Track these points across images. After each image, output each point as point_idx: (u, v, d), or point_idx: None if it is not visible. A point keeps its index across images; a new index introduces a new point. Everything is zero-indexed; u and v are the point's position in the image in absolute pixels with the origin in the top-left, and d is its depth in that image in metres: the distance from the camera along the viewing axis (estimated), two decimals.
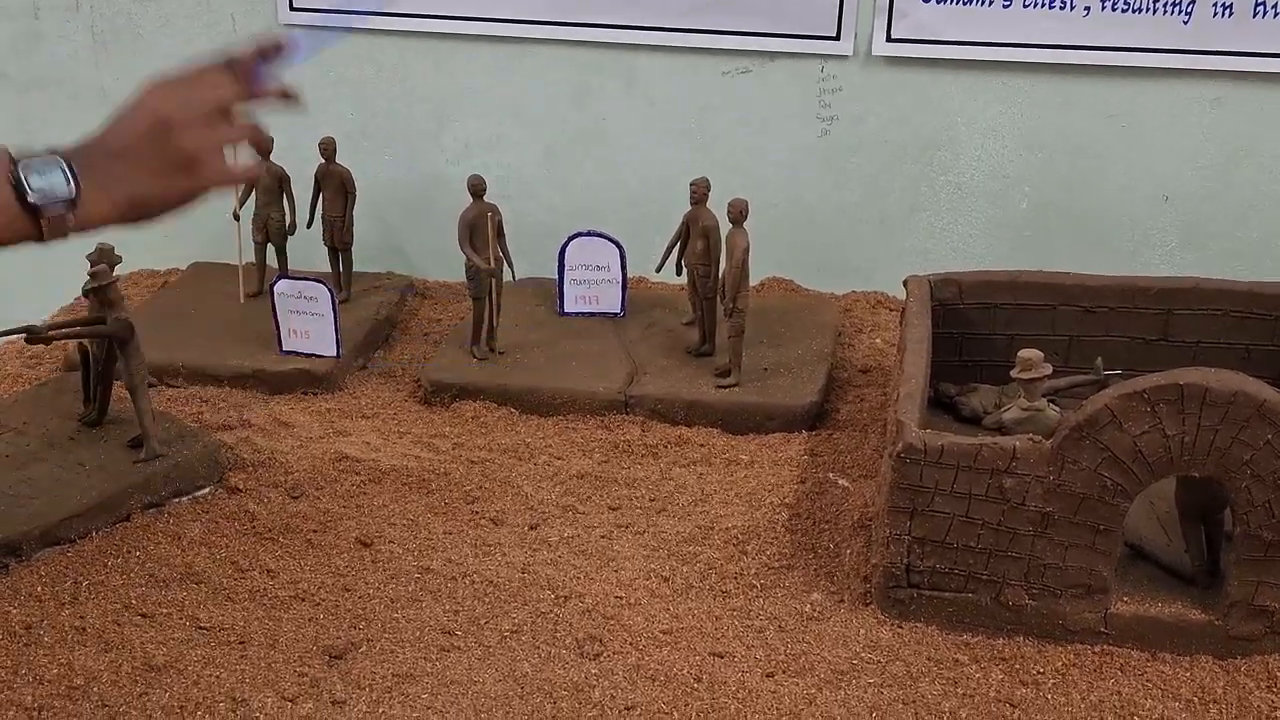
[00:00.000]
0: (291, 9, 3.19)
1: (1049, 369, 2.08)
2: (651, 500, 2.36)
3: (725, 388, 2.62)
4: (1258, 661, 1.89)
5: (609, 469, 2.46)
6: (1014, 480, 1.90)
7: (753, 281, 3.06)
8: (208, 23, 3.25)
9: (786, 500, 2.33)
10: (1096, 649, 1.94)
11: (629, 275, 2.93)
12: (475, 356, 2.76)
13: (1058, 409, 2.10)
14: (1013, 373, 2.10)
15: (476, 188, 2.69)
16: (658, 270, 2.77)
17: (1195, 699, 1.85)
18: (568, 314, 2.94)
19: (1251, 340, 2.45)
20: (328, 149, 2.95)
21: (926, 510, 1.95)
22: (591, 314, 2.93)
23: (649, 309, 2.96)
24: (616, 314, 2.93)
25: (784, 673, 1.91)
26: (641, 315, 2.94)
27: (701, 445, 2.53)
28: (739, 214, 2.53)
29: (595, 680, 1.89)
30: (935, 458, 1.92)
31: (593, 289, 2.93)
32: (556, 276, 2.93)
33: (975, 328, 2.52)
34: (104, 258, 2.37)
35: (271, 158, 2.95)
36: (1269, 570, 1.86)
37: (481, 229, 2.68)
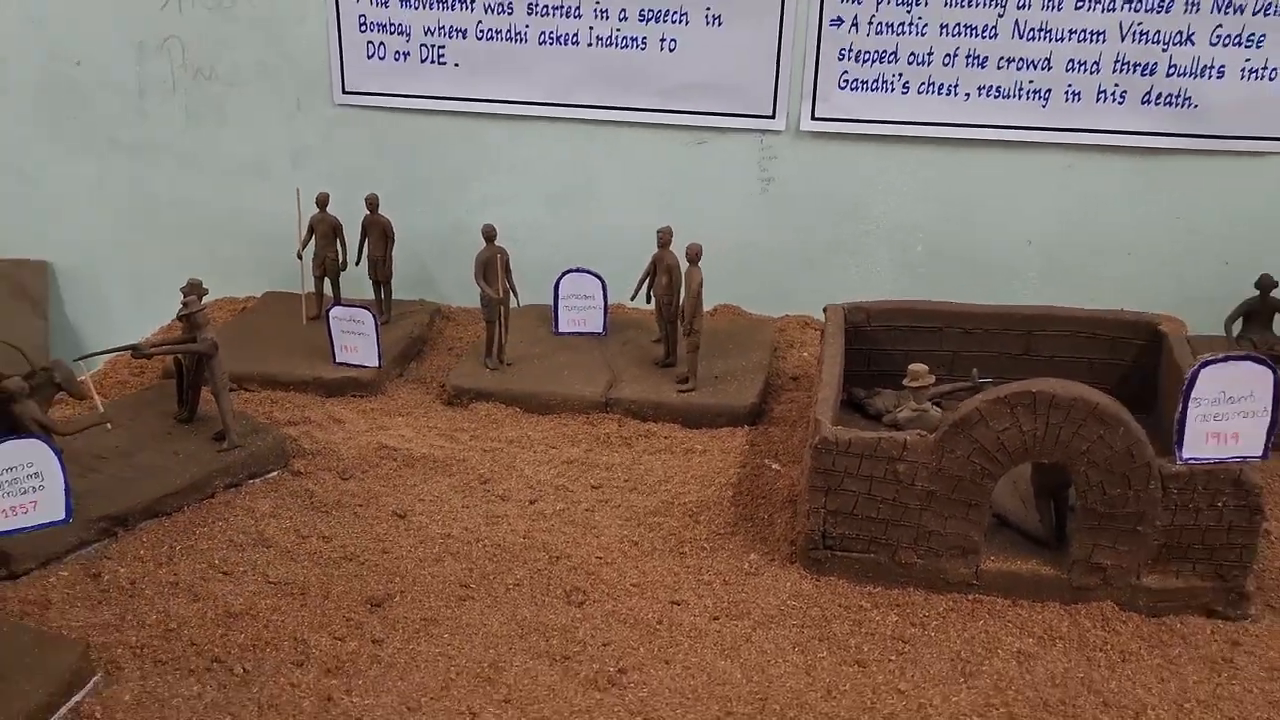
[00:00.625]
0: (344, 92, 3.18)
1: (933, 379, 2.09)
2: (626, 480, 2.36)
3: (684, 392, 2.62)
4: (1094, 606, 1.92)
5: (592, 456, 2.45)
6: (905, 466, 1.92)
7: (706, 307, 3.03)
8: (278, 103, 3.23)
9: (731, 481, 2.33)
10: (970, 597, 1.96)
11: (610, 303, 2.91)
12: (488, 367, 2.75)
13: (940, 409, 2.11)
14: (904, 382, 2.11)
15: (488, 234, 2.69)
16: (632, 299, 2.76)
17: (1045, 635, 1.87)
18: (561, 333, 2.92)
19: (1095, 355, 2.46)
20: (372, 203, 2.95)
21: (838, 489, 1.97)
22: (580, 333, 2.92)
23: (625, 329, 2.94)
24: (600, 333, 2.92)
25: (727, 616, 1.93)
26: (619, 334, 2.92)
27: (665, 437, 2.53)
28: (695, 255, 2.54)
29: (579, 623, 1.91)
30: (844, 449, 1.94)
31: (581, 313, 2.91)
32: (553, 304, 2.92)
33: (880, 344, 2.52)
34: (194, 290, 2.37)
35: (327, 210, 2.97)
36: (1103, 535, 1.89)
37: (493, 266, 2.69)
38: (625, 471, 2.39)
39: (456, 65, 3.08)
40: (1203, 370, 1.80)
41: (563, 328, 2.93)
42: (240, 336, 2.93)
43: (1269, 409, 1.79)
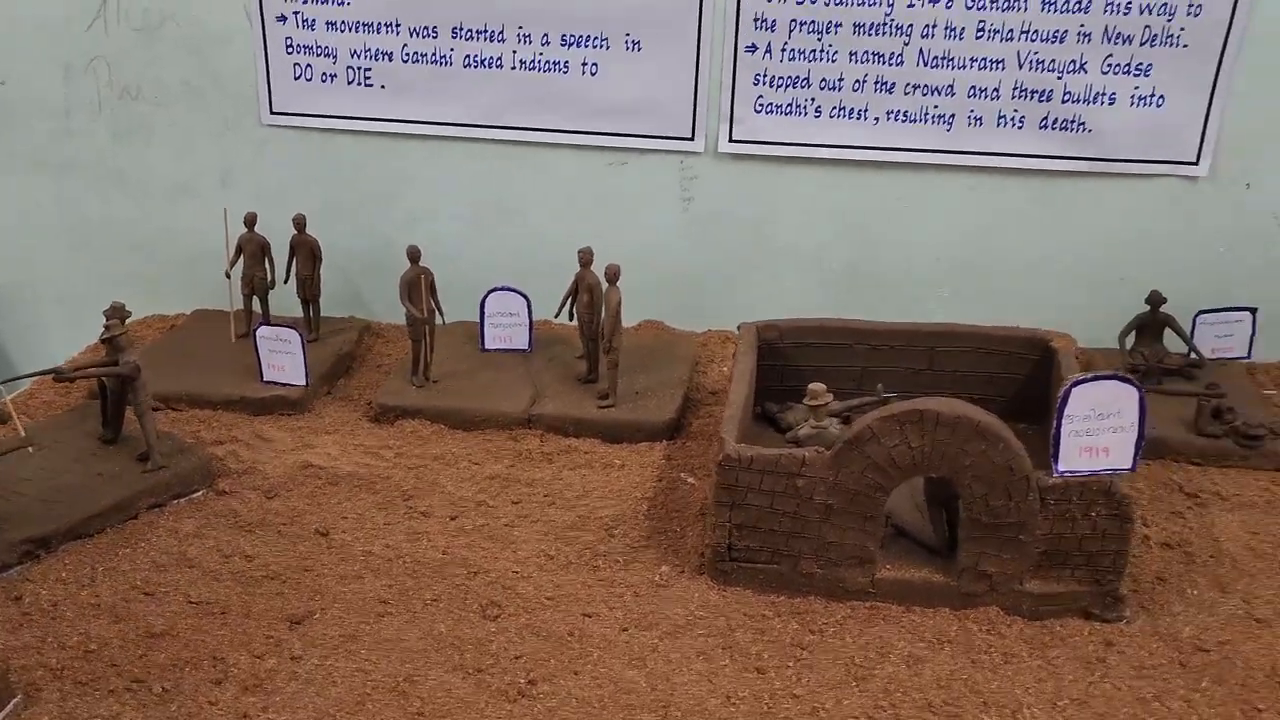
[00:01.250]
0: (271, 112, 3.21)
1: (830, 397, 2.17)
2: (546, 496, 2.40)
3: (605, 408, 2.67)
4: (981, 612, 2.01)
5: (514, 471, 2.50)
6: (804, 481, 2.00)
7: (631, 323, 3.11)
8: (206, 123, 3.24)
9: (647, 495, 2.40)
10: (866, 604, 2.04)
11: (535, 320, 2.95)
12: (414, 385, 2.79)
13: (840, 425, 2.19)
14: (804, 400, 2.20)
15: (413, 254, 2.73)
16: (555, 317, 2.82)
17: (935, 640, 1.96)
18: (488, 350, 2.96)
19: (993, 370, 2.56)
20: (299, 223, 2.98)
21: (742, 503, 2.05)
22: (506, 350, 2.96)
23: (550, 345, 2.98)
24: (525, 350, 2.96)
25: (636, 627, 1.99)
26: (545, 350, 2.96)
27: (586, 452, 2.57)
28: (613, 275, 2.60)
29: (494, 636, 1.96)
30: (747, 465, 2.02)
31: (507, 330, 2.95)
32: (479, 321, 2.96)
33: (791, 360, 2.60)
34: (116, 313, 2.39)
35: (255, 229, 2.99)
36: (988, 544, 1.99)
37: (417, 287, 2.73)
38: (545, 487, 2.44)
39: (383, 87, 3.12)
40: (1074, 389, 1.91)
41: (489, 344, 2.97)
42: (168, 355, 2.95)
43: (1135, 424, 1.91)
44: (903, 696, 1.83)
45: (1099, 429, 1.91)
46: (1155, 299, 2.82)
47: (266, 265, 3.02)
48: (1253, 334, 2.88)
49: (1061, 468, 1.93)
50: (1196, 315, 2.87)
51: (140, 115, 3.26)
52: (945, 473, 1.97)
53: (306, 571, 2.14)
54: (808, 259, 3.14)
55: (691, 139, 3.05)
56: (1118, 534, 1.95)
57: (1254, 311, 2.87)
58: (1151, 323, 2.83)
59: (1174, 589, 2.09)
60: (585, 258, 2.72)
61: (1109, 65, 2.83)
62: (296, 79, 3.15)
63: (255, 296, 3.05)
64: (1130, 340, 2.85)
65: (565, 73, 3.03)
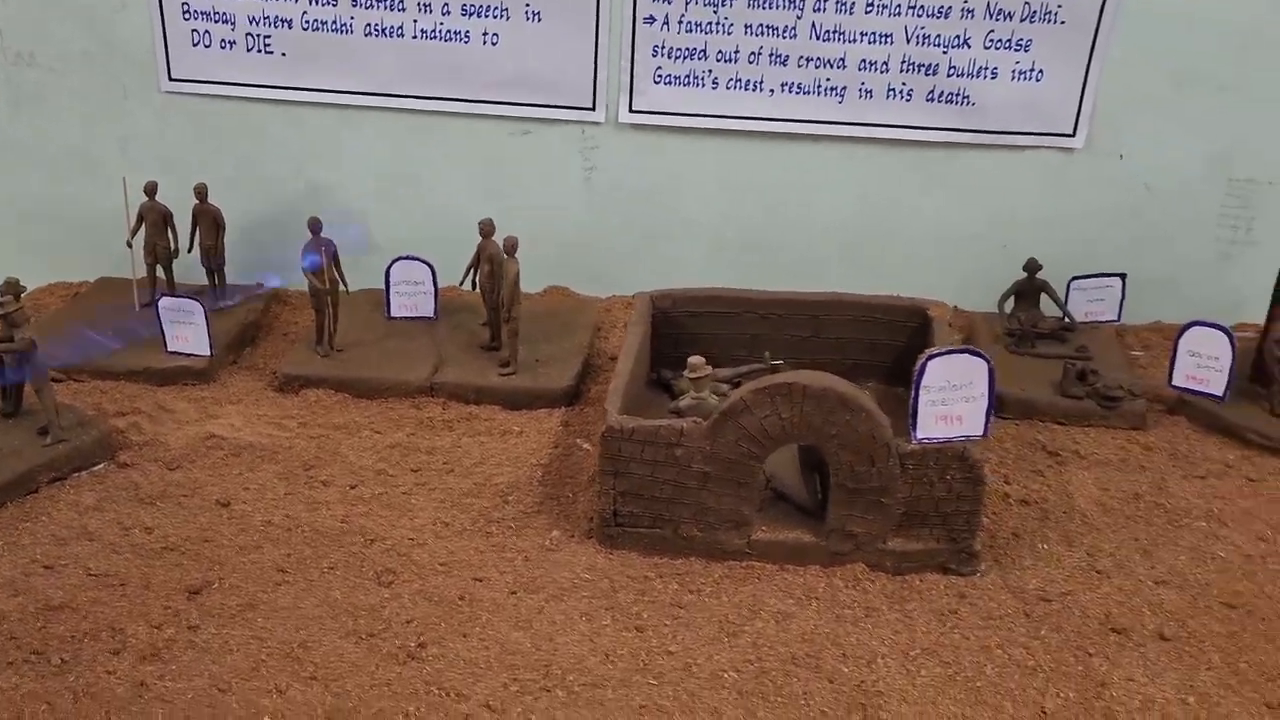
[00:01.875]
0: (170, 79, 3.17)
1: (709, 369, 2.26)
2: (445, 463, 2.47)
3: (505, 375, 2.74)
4: (848, 569, 2.14)
5: (415, 440, 2.55)
6: (683, 450, 2.10)
7: (537, 289, 3.19)
8: (104, 90, 3.18)
9: (543, 461, 2.48)
10: (743, 565, 2.16)
11: (442, 286, 3.00)
12: (319, 354, 2.82)
13: (719, 397, 2.28)
14: (684, 373, 2.29)
15: (314, 225, 2.76)
16: (460, 285, 2.88)
17: (804, 596, 2.09)
18: (394, 318, 3.01)
19: (875, 337, 2.68)
20: (200, 192, 2.98)
21: (625, 472, 2.14)
22: (412, 318, 3.00)
23: (457, 312, 3.03)
24: (431, 317, 3.01)
25: (524, 590, 2.09)
26: (451, 317, 3.01)
27: (487, 420, 2.64)
28: (511, 247, 2.66)
29: (387, 602, 2.04)
30: (629, 435, 2.12)
31: (412, 299, 3.00)
32: (384, 289, 3.00)
33: (685, 329, 2.69)
34: (10, 289, 2.39)
35: (156, 198, 2.98)
36: (853, 507, 2.11)
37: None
38: (445, 454, 2.50)
39: (284, 55, 3.10)
40: (929, 362, 2.03)
41: (395, 313, 3.01)
42: (73, 322, 2.93)
43: (985, 395, 2.04)
44: (769, 650, 1.96)
45: (953, 399, 2.03)
46: (1032, 265, 2.96)
47: (169, 234, 3.02)
48: (1122, 298, 3.04)
49: (919, 435, 2.05)
50: (1070, 280, 3.02)
51: (36, 82, 3.20)
52: (814, 441, 2.08)
53: (206, 542, 2.19)
54: (708, 228, 3.21)
55: (592, 109, 3.09)
56: (971, 495, 2.09)
57: (1123, 277, 3.03)
58: (1029, 288, 2.98)
59: (1027, 544, 2.25)
60: (486, 228, 2.77)
61: (991, 40, 2.93)
62: (195, 45, 3.11)
63: (159, 265, 3.04)
64: (1009, 305, 2.99)
65: (466, 42, 3.05)
